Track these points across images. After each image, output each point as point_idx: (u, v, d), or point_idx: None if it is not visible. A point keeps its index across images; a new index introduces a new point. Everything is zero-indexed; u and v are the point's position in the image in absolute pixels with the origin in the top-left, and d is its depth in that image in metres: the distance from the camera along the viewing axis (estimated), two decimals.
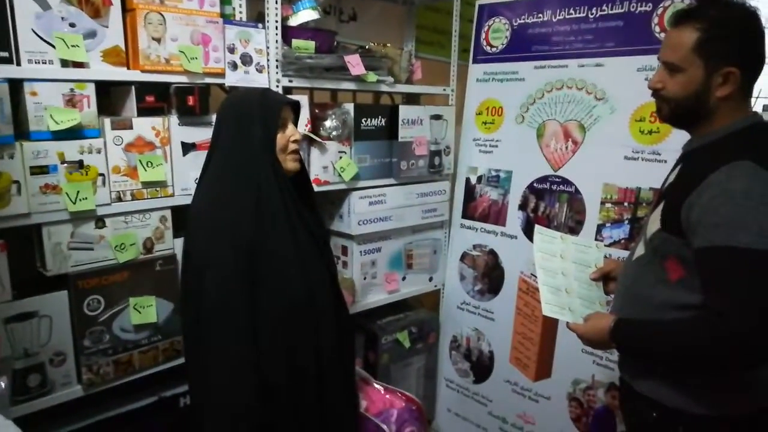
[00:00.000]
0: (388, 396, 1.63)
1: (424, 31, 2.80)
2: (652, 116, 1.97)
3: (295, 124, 1.53)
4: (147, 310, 1.69)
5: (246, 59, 1.85)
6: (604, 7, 2.12)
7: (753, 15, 1.18)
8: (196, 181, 1.55)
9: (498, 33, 2.47)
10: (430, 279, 2.63)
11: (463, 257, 2.62)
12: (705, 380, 1.21)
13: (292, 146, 1.47)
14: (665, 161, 1.93)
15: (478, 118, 2.56)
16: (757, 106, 2.57)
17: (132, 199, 1.66)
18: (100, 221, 1.60)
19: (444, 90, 2.53)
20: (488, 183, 2.53)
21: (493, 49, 2.49)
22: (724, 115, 1.22)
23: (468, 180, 2.60)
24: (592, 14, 2.15)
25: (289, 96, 1.86)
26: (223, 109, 1.49)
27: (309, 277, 1.42)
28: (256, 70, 1.88)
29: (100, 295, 1.61)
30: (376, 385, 1.67)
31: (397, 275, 2.47)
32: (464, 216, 2.62)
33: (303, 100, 1.97)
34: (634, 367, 1.35)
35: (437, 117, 2.43)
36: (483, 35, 2.52)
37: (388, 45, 2.31)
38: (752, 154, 1.13)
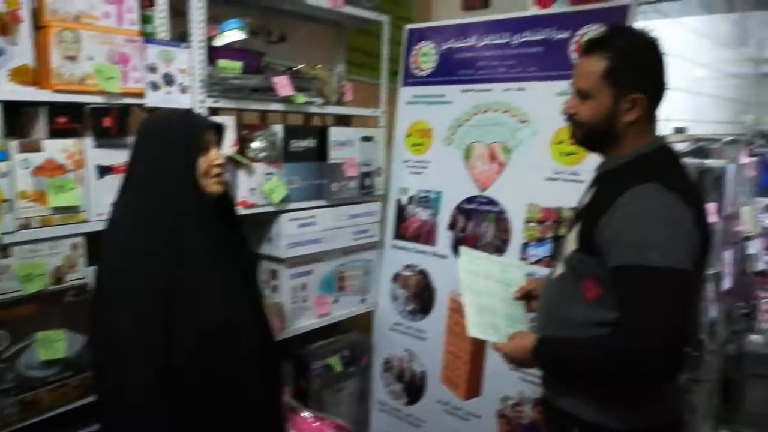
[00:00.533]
0: (317, 424, 1.60)
1: (355, 53, 2.82)
2: (570, 139, 2.05)
3: (219, 147, 1.50)
4: (56, 344, 1.58)
5: (168, 79, 1.80)
6: (525, 34, 2.21)
7: (655, 45, 1.26)
8: (112, 206, 1.48)
9: (426, 57, 2.52)
10: (363, 300, 2.62)
11: (395, 278, 2.63)
12: (621, 395, 1.26)
13: (215, 170, 1.43)
14: (583, 181, 2.00)
15: (408, 139, 2.59)
16: (668, 128, 2.74)
17: (41, 226, 1.56)
18: (4, 250, 1.50)
19: (374, 112, 2.55)
20: (419, 203, 2.56)
21: (422, 73, 2.54)
22: (632, 138, 1.29)
23: (399, 201, 2.62)
24: (514, 41, 2.24)
25: (214, 118, 1.82)
26: (142, 130, 1.44)
27: (228, 308, 1.37)
28: (180, 90, 1.83)
29: (3, 330, 1.49)
30: (305, 414, 1.63)
31: (329, 298, 2.44)
32: (396, 236, 2.63)
33: (230, 121, 1.93)
34: (556, 385, 1.39)
35: (367, 138, 2.45)
36: (412, 59, 2.57)
37: (318, 66, 2.31)
38: (658, 177, 1.19)
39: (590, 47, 1.29)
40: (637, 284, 1.15)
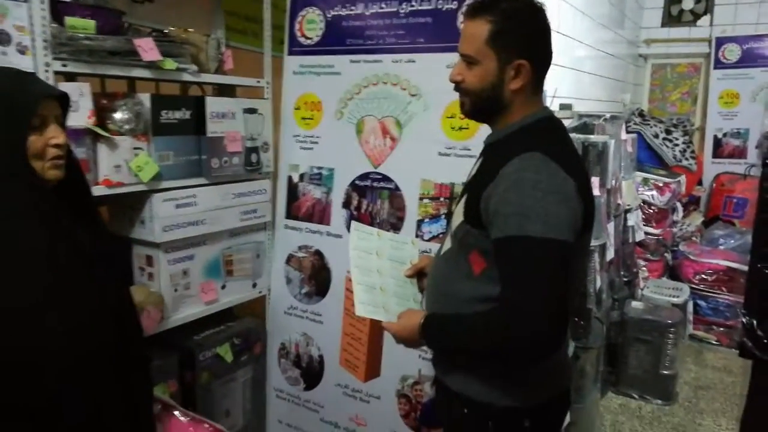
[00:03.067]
0: (191, 428, 1.44)
1: (235, 18, 2.61)
2: (460, 110, 2.01)
3: (62, 123, 1.24)
4: None
5: (4, 38, 1.53)
6: (413, 3, 2.12)
7: (539, 9, 1.22)
8: None
9: (312, 24, 2.37)
10: (254, 285, 2.46)
11: (289, 260, 2.50)
12: (506, 372, 1.23)
13: (53, 151, 1.17)
14: (475, 156, 1.97)
15: (297, 113, 2.44)
16: (554, 105, 2.81)
17: None
18: None
19: (258, 82, 2.38)
20: (311, 181, 2.43)
21: (308, 41, 2.39)
22: (518, 108, 1.25)
23: (290, 178, 2.48)
24: (402, 9, 2.14)
25: (65, 85, 1.58)
26: None
27: (63, 318, 1.13)
28: (18, 51, 1.56)
29: None
30: (180, 417, 1.47)
31: (215, 284, 2.26)
32: (288, 216, 2.49)
33: (86, 89, 1.69)
34: (445, 364, 1.34)
35: (252, 111, 2.27)
36: (297, 26, 2.41)
37: (191, 30, 2.09)
38: (542, 147, 1.16)
39: (475, 10, 1.24)
40: (516, 256, 1.11)
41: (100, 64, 1.73)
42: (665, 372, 3.26)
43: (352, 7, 2.26)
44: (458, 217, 1.25)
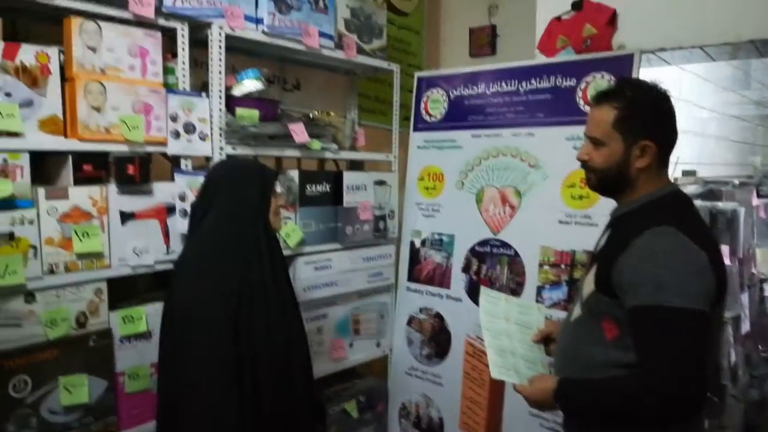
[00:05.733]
0: None
1: (366, 99, 2.90)
2: (581, 182, 2.09)
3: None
4: (78, 389, 1.59)
5: (189, 128, 1.86)
6: (533, 82, 2.27)
7: (663, 96, 1.31)
8: (184, 242, 1.68)
9: (436, 103, 2.59)
10: (378, 344, 2.61)
11: (410, 321, 2.62)
12: None
13: (281, 210, 1.69)
14: (596, 225, 2.03)
15: (420, 183, 2.63)
16: (677, 171, 2.78)
17: (65, 272, 1.59)
18: (29, 296, 1.52)
19: (387, 156, 2.61)
20: (432, 246, 2.58)
21: (432, 119, 2.61)
22: (645, 184, 1.32)
23: (412, 243, 2.64)
24: (522, 88, 2.30)
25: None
26: (219, 172, 1.64)
27: (291, 341, 1.57)
28: (200, 138, 1.88)
29: (27, 375, 1.51)
30: None
31: (344, 342, 2.43)
32: (410, 279, 2.64)
33: None
34: (576, 427, 1.37)
35: (381, 182, 2.49)
36: (422, 105, 2.64)
37: (332, 113, 2.38)
38: (672, 220, 1.22)
39: (600, 98, 1.34)
40: (653, 325, 1.16)
41: (261, 147, 2.03)
42: None
43: (474, 88, 2.45)
44: (589, 286, 1.32)
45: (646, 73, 2.13)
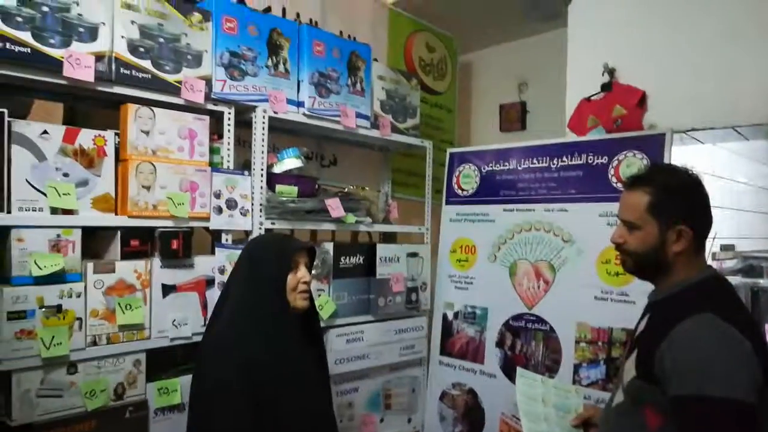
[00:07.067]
0: None
1: (400, 173, 2.98)
2: (617, 259, 2.06)
3: (309, 268, 1.65)
4: None
5: (231, 204, 1.94)
6: (564, 159, 2.31)
7: (696, 181, 1.32)
8: (210, 316, 1.66)
9: (468, 178, 2.64)
10: (409, 420, 2.56)
11: (443, 397, 2.57)
12: None
13: (302, 287, 1.58)
14: (633, 302, 2.00)
15: (453, 255, 2.65)
16: (714, 246, 2.74)
17: (107, 343, 1.64)
18: (72, 366, 1.57)
19: (419, 229, 2.65)
20: (465, 319, 2.56)
21: (464, 192, 2.65)
22: (682, 267, 1.31)
23: (445, 315, 2.63)
24: (554, 164, 2.34)
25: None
26: (243, 251, 1.64)
27: (309, 417, 1.51)
28: (241, 213, 1.96)
29: None
30: None
31: (375, 417, 2.39)
32: (442, 352, 2.61)
33: None
34: None
35: (413, 254, 2.52)
36: (454, 180, 2.70)
37: (366, 188, 2.45)
38: (714, 307, 1.20)
39: (633, 183, 1.36)
40: (697, 416, 1.12)
41: (299, 221, 2.10)
42: None
43: (506, 164, 2.51)
44: (630, 372, 1.30)
45: (679, 151, 2.16)
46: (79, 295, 1.58)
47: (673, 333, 1.19)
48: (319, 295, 2.15)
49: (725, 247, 2.76)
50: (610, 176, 2.17)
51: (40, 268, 1.50)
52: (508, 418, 2.18)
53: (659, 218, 1.29)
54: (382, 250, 2.39)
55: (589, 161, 2.24)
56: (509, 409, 2.22)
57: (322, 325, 2.16)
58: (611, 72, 2.38)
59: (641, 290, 1.50)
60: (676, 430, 1.17)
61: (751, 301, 2.47)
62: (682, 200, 1.30)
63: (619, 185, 2.14)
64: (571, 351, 2.17)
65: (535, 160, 2.40)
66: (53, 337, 1.51)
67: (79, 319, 1.58)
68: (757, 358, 1.16)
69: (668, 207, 1.29)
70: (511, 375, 2.33)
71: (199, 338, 1.81)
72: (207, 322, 1.71)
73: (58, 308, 1.54)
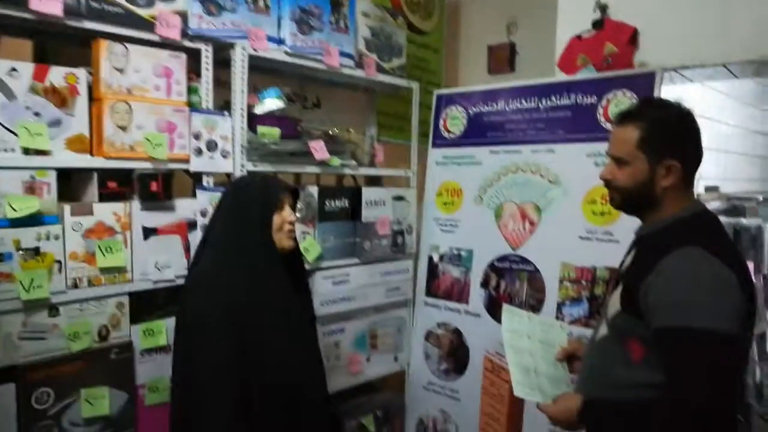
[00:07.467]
0: None
1: (385, 116, 2.92)
2: (602, 199, 2.07)
3: (293, 208, 1.63)
4: (99, 401, 1.62)
5: (211, 145, 1.89)
6: (553, 99, 2.27)
7: (687, 115, 1.30)
8: (192, 260, 1.67)
9: (455, 120, 2.60)
10: (395, 359, 2.60)
11: (428, 336, 2.62)
12: None
13: (287, 226, 1.58)
14: (618, 241, 2.01)
15: (439, 198, 2.63)
16: (699, 187, 2.74)
17: (89, 286, 1.62)
18: (53, 309, 1.56)
19: (405, 172, 2.62)
20: (450, 261, 2.57)
21: (451, 135, 2.61)
22: (671, 202, 1.30)
23: (431, 258, 2.64)
24: (542, 105, 2.30)
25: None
26: (225, 192, 1.64)
27: (297, 355, 1.52)
28: (221, 155, 1.91)
29: (50, 388, 1.54)
30: None
31: (362, 356, 2.43)
32: (428, 293, 2.63)
33: None
34: None
35: (399, 198, 2.50)
36: (441, 122, 2.65)
37: (351, 130, 2.40)
38: (700, 241, 1.20)
39: (623, 118, 1.34)
40: (680, 347, 1.14)
41: (282, 163, 2.06)
42: None
43: (494, 105, 2.46)
44: (614, 305, 1.31)
45: (668, 90, 2.12)
46: (57, 238, 1.55)
47: (659, 266, 1.19)
48: (305, 238, 2.14)
49: (710, 188, 2.77)
50: (598, 116, 2.14)
51: (15, 210, 1.46)
52: (492, 355, 2.22)
53: (649, 153, 1.28)
54: (368, 193, 2.36)
55: (578, 101, 2.20)
56: (493, 347, 2.26)
57: (308, 268, 2.16)
58: (603, 8, 2.31)
59: (625, 229, 1.50)
60: (659, 362, 1.20)
61: (733, 241, 2.50)
62: (672, 135, 1.28)
63: (608, 125, 2.11)
64: (554, 290, 2.20)
65: (523, 101, 2.36)
66: (32, 279, 1.49)
67: (59, 261, 1.56)
68: (741, 293, 1.17)
69: (658, 142, 1.27)
70: (495, 314, 2.37)
71: (182, 281, 1.80)
72: (190, 265, 1.69)
73: (36, 251, 1.52)
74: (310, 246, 2.14)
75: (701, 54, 2.11)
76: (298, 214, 2.09)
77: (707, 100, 3.07)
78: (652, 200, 1.31)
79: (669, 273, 1.18)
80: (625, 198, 1.34)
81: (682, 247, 1.20)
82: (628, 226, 1.46)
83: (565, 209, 2.20)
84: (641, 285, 1.22)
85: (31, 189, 1.51)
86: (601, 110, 2.14)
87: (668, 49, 2.17)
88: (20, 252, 1.49)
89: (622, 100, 2.09)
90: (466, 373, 2.47)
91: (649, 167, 1.28)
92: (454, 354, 2.53)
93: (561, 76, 2.37)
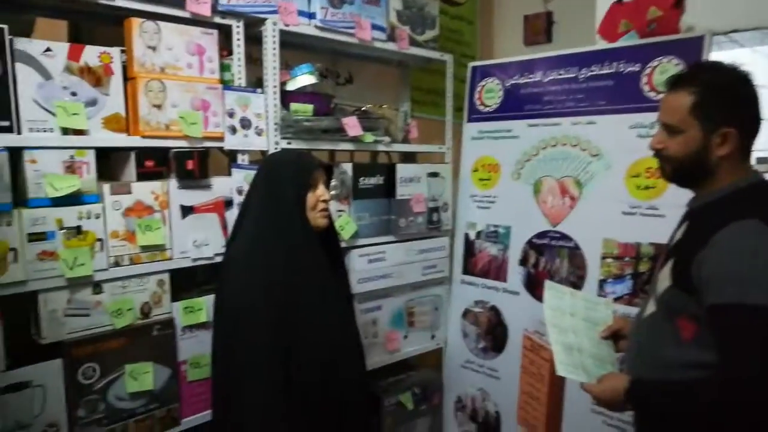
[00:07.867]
0: None
1: (419, 91, 2.86)
2: (647, 172, 1.99)
3: (327, 186, 1.62)
4: (143, 377, 1.65)
5: (245, 123, 1.88)
6: (593, 68, 2.18)
7: (745, 78, 1.21)
8: (228, 238, 1.68)
9: (491, 93, 2.53)
10: (433, 337, 2.59)
11: (465, 314, 2.59)
12: None
13: (321, 205, 1.56)
14: (663, 216, 1.94)
15: (475, 174, 2.58)
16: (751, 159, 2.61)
17: (130, 264, 1.64)
18: (97, 287, 1.59)
19: (440, 148, 2.57)
20: (487, 238, 2.53)
21: (487, 109, 2.55)
22: (726, 173, 1.23)
23: (467, 235, 2.60)
24: (582, 74, 2.21)
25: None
26: (260, 169, 1.60)
27: (335, 332, 1.52)
28: (255, 133, 1.91)
29: (95, 363, 1.58)
30: None
31: (399, 334, 2.42)
32: (465, 272, 2.60)
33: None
34: (650, 428, 1.31)
35: (434, 174, 2.46)
36: (476, 95, 2.58)
37: (384, 106, 2.36)
38: (758, 213, 1.13)
39: (675, 83, 1.26)
40: (737, 324, 1.08)
41: (315, 140, 2.04)
42: None
43: (531, 76, 2.38)
44: (664, 281, 1.25)
45: (717, 56, 2.01)
46: (98, 217, 1.57)
47: (713, 240, 1.13)
48: (340, 216, 2.13)
49: (762, 160, 2.64)
50: (642, 85, 2.05)
51: (56, 189, 1.48)
52: (531, 334, 2.16)
53: (703, 120, 1.20)
54: (402, 170, 2.33)
55: (620, 70, 2.11)
56: (533, 325, 2.22)
57: (344, 245, 2.15)
58: None
59: (672, 203, 1.43)
60: (710, 340, 1.14)
61: None
62: (728, 100, 1.20)
63: (652, 94, 2.01)
64: (596, 267, 2.13)
65: (561, 71, 2.27)
66: (75, 258, 1.52)
67: (100, 240, 1.58)
68: None
69: (713, 108, 1.19)
70: (534, 292, 2.32)
71: (220, 259, 1.81)
72: (227, 240, 1.69)
73: (78, 229, 1.54)
74: (345, 224, 2.13)
75: (753, 16, 1.99)
76: (332, 192, 2.08)
77: (759, 67, 2.91)
78: (706, 171, 1.23)
79: (725, 246, 1.12)
80: (676, 168, 1.27)
81: (738, 219, 1.13)
82: (674, 200, 1.39)
83: (608, 183, 2.12)
84: (694, 259, 1.15)
85: (71, 168, 1.53)
86: (645, 79, 2.04)
87: (717, 11, 2.06)
88: (63, 231, 1.51)
89: (667, 67, 1.99)
90: (505, 351, 2.44)
91: (703, 135, 1.21)
92: (492, 332, 2.49)
93: (601, 44, 2.27)
